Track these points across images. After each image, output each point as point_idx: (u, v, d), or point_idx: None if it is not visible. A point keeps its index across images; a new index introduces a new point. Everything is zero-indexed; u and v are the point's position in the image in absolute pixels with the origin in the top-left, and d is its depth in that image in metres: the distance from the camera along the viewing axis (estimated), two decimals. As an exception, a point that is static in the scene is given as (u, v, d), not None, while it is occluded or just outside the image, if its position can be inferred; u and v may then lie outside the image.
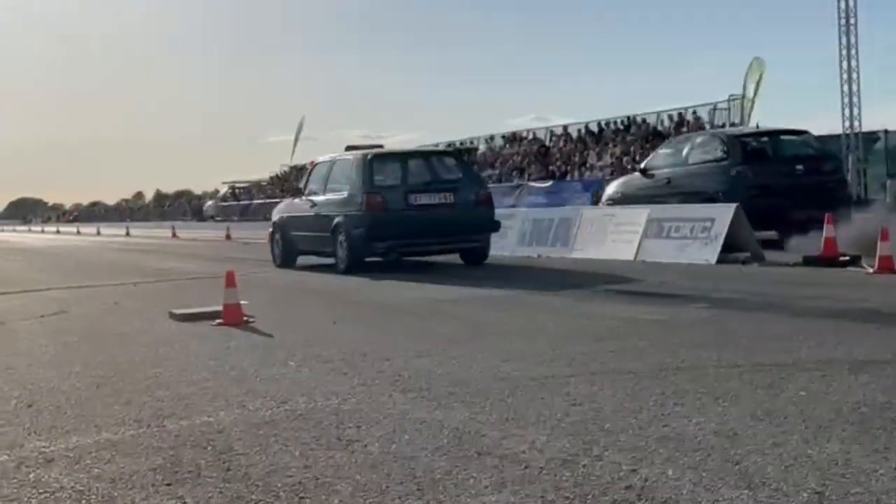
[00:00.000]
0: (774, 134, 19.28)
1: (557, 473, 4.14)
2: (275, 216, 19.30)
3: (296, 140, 65.04)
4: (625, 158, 29.58)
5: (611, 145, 37.36)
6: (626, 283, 12.57)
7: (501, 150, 44.71)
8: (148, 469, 4.49)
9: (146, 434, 5.19)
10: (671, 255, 15.44)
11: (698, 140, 19.41)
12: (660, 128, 36.25)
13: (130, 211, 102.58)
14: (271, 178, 66.30)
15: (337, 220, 16.24)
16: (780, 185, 16.44)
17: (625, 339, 7.77)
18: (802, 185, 16.53)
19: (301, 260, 18.16)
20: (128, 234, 48.27)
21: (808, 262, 13.48)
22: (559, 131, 42.35)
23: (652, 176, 19.22)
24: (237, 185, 70.24)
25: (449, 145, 48.63)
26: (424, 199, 16.12)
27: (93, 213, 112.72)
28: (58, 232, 64.47)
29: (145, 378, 6.84)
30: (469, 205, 16.33)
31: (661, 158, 19.88)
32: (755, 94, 33.00)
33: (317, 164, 19.05)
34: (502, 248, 19.69)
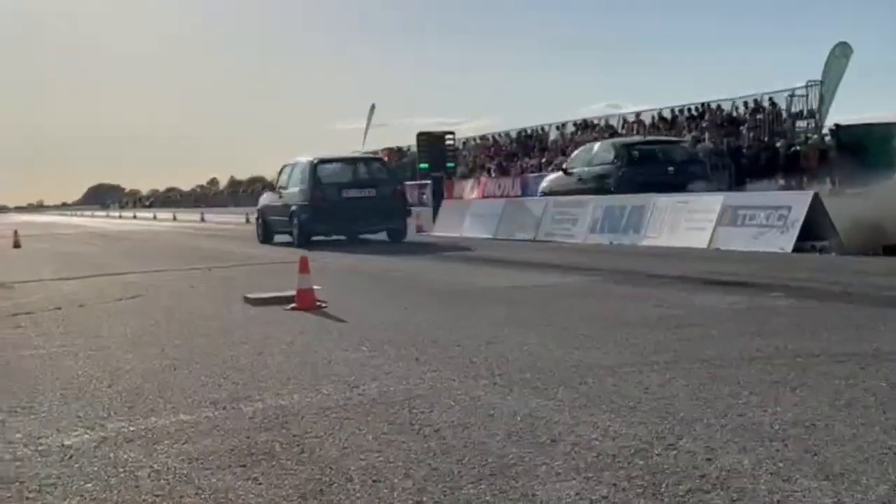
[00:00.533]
0: (655, 143, 25.87)
1: (630, 462, 4.11)
2: (259, 205, 25.26)
3: (367, 127, 65.36)
4: (699, 145, 29.12)
5: (684, 132, 36.89)
6: (699, 271, 12.41)
7: (573, 138, 44.40)
8: (224, 450, 4.56)
9: (222, 416, 5.26)
10: (746, 243, 15.23)
11: (599, 147, 25.09)
12: (735, 114, 35.66)
13: (205, 197, 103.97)
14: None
15: (293, 208, 21.68)
16: (654, 182, 20.01)
17: (699, 328, 7.68)
18: (670, 181, 20.74)
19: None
20: (202, 219, 48.99)
21: (888, 251, 13.18)
22: (631, 118, 41.91)
23: (570, 174, 24.36)
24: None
25: (520, 132, 48.48)
26: (353, 193, 21.50)
27: (169, 199, 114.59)
28: (134, 217, 65.81)
29: (221, 361, 6.94)
30: (387, 198, 21.72)
31: (576, 161, 25.10)
32: (837, 80, 32.21)
33: (285, 166, 23.95)
34: (573, 235, 19.67)
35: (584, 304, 9.58)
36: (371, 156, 26.54)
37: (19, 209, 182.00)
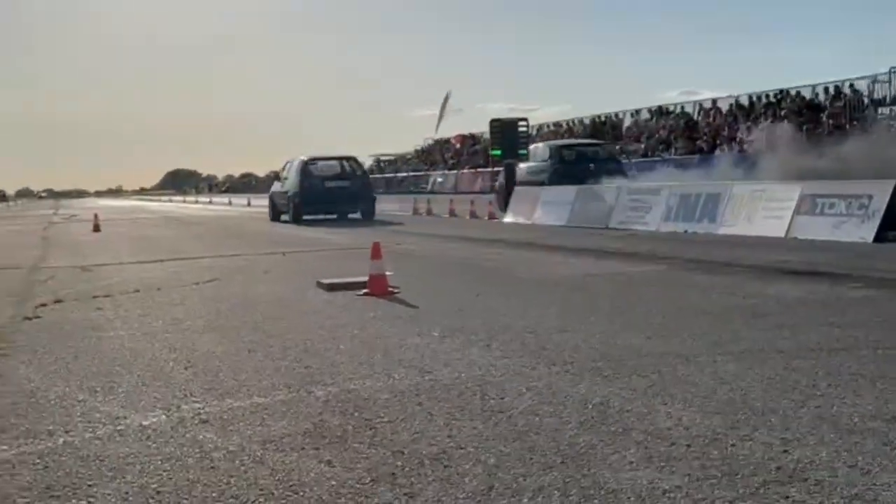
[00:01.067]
0: (581, 145, 31.52)
1: (704, 451, 4.06)
2: (271, 191, 33.50)
3: (441, 114, 65.34)
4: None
5: (762, 119, 36.23)
6: (776, 260, 12.20)
7: (647, 124, 43.92)
8: (297, 432, 4.61)
9: (295, 399, 5.32)
10: (825, 233, 14.94)
11: (542, 147, 30.03)
12: (815, 101, 34.93)
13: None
14: (416, 151, 66.82)
15: (289, 194, 29.72)
16: (577, 176, 25.05)
17: (775, 318, 7.56)
18: (590, 175, 25.24)
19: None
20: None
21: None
22: (708, 105, 41.30)
23: (521, 169, 28.83)
24: (383, 157, 70.92)
25: (594, 119, 48.10)
26: (333, 184, 29.22)
27: (244, 184, 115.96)
28: (210, 202, 66.68)
29: (294, 345, 7.01)
30: (359, 187, 29.68)
31: (532, 156, 29.05)
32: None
33: (287, 162, 31.58)
34: (647, 223, 19.49)
35: (658, 293, 9.48)
36: (348, 156, 31.74)
37: (99, 194, 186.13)
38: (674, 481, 3.70)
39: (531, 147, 29.84)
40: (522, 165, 28.76)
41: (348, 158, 31.65)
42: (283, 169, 31.99)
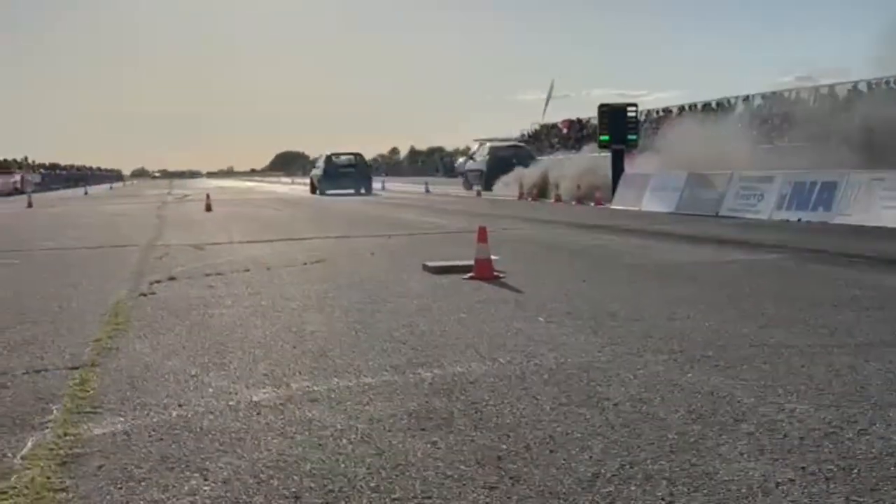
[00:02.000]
0: (509, 147, 45.29)
1: (819, 445, 3.96)
2: (311, 174, 50.58)
3: (547, 99, 64.96)
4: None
5: (883, 106, 35.01)
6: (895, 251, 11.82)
7: (760, 111, 42.88)
8: (403, 413, 4.64)
9: (402, 380, 5.35)
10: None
11: (483, 146, 45.05)
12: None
13: (386, 166, 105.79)
14: (521, 135, 66.53)
15: (318, 176, 45.79)
16: (501, 166, 38.84)
17: (893, 310, 7.32)
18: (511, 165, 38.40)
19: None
20: (383, 188, 49.88)
21: None
22: (825, 91, 40.10)
23: (470, 160, 42.89)
24: (488, 141, 70.80)
25: (704, 105, 47.18)
26: (344, 170, 43.91)
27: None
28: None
29: (401, 327, 7.06)
30: (360, 172, 44.21)
31: (476, 152, 43.58)
32: None
33: (319, 155, 48.01)
34: (759, 211, 19.08)
35: (770, 282, 9.27)
36: (356, 152, 47.03)
37: (210, 174, 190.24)
38: (787, 474, 3.61)
39: (475, 146, 40.81)
40: (472, 158, 42.29)
41: (356, 154, 47.12)
42: (317, 159, 50.30)
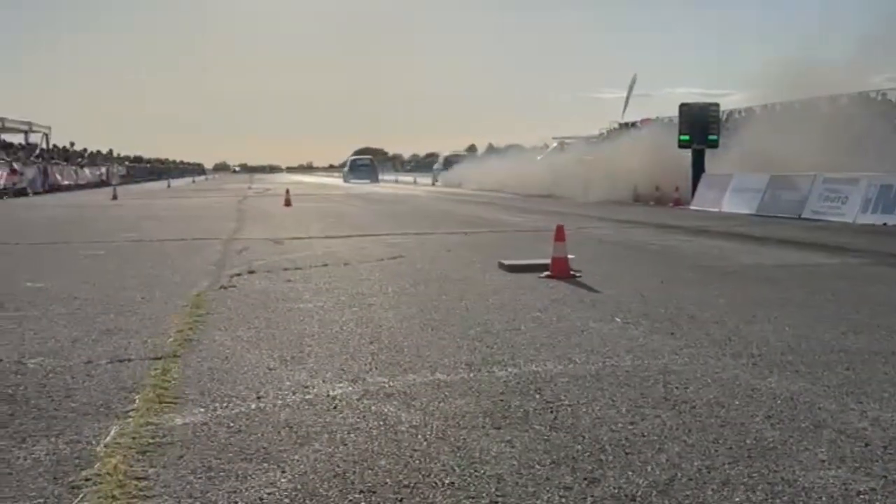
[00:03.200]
0: (457, 155, 71.38)
1: (903, 455, 3.87)
2: (343, 170, 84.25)
3: (627, 97, 64.37)
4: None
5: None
6: None
7: (846, 111, 41.90)
8: (478, 411, 4.64)
9: (477, 378, 5.36)
10: None
11: (445, 156, 71.02)
12: None
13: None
14: (600, 133, 66.01)
15: (346, 172, 77.76)
16: None
17: (983, 318, 7.12)
18: None
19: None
20: (460, 185, 49.94)
21: None
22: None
23: (445, 168, 63.50)
24: (566, 140, 70.43)
25: (787, 106, 46.25)
26: (361, 168, 74.10)
27: (428, 163, 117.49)
28: (396, 181, 67.91)
29: (476, 324, 7.07)
30: (372, 169, 73.81)
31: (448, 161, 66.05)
32: None
33: (348, 159, 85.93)
34: (843, 214, 18.71)
35: (853, 287, 9.08)
36: (370, 156, 68.65)
37: (290, 170, 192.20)
38: (869, 483, 3.54)
39: (553, 144, 41.97)
40: (446, 166, 58.88)
41: (370, 158, 77.57)
42: (346, 162, 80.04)
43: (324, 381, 5.28)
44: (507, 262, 10.75)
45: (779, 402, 4.75)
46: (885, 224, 17.29)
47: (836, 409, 4.60)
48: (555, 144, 53.11)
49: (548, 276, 9.75)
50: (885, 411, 4.52)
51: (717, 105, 28.09)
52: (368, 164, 75.73)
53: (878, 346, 6.10)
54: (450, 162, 65.23)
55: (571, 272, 9.85)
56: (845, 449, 3.96)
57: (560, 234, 10.05)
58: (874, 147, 28.15)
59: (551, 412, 4.62)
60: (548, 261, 10.04)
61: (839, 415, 4.49)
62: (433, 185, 59.27)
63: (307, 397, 4.94)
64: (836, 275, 10.20)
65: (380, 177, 72.23)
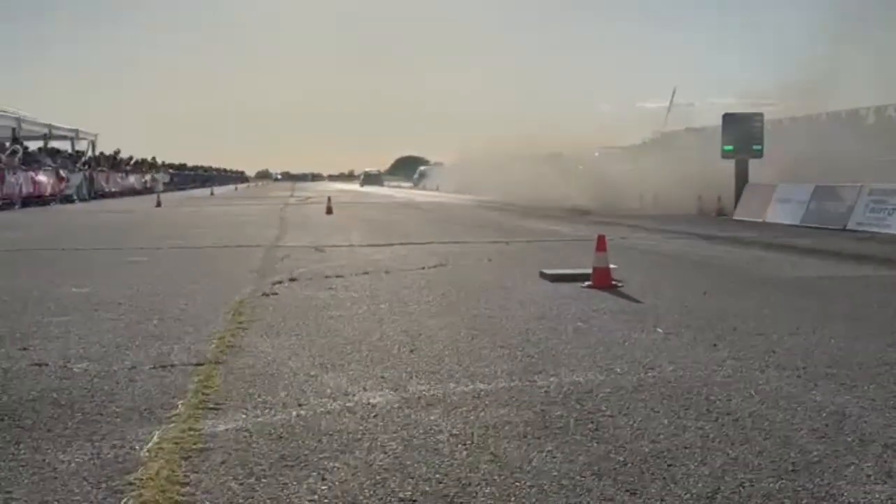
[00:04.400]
0: (429, 167, 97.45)
1: (951, 471, 3.80)
2: (360, 179, 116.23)
3: (669, 107, 64.02)
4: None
5: None
6: None
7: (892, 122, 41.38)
8: (519, 421, 4.63)
9: (517, 387, 5.34)
10: None
11: (423, 167, 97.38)
12: None
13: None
14: (643, 143, 65.62)
15: (361, 179, 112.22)
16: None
17: None
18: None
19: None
20: (437, 188, 49.85)
21: None
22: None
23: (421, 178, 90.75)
24: (608, 150, 70.08)
25: (833, 115, 45.81)
26: (372, 178, 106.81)
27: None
28: (437, 189, 67.98)
29: (517, 333, 7.05)
30: (380, 179, 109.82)
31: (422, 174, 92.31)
32: None
33: (364, 171, 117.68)
34: (889, 225, 18.47)
35: (900, 299, 8.95)
36: (376, 169, 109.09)
37: (332, 177, 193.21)
38: (916, 500, 3.49)
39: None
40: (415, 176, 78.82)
41: (378, 170, 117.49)
42: (363, 173, 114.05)
43: (364, 389, 5.29)
44: (548, 271, 10.72)
45: (823, 415, 4.69)
46: (933, 236, 17.06)
47: (882, 423, 4.54)
48: (596, 154, 52.98)
49: (589, 286, 9.71)
50: (932, 426, 4.45)
51: (760, 115, 27.84)
52: (376, 174, 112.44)
53: (925, 359, 6.01)
54: (423, 174, 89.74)
55: (613, 282, 9.80)
56: (892, 464, 3.90)
57: (602, 244, 10.00)
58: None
59: (592, 423, 4.59)
60: (589, 270, 10.01)
61: (886, 429, 4.43)
62: (413, 188, 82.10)
63: (348, 405, 4.95)
64: (882, 286, 10.07)
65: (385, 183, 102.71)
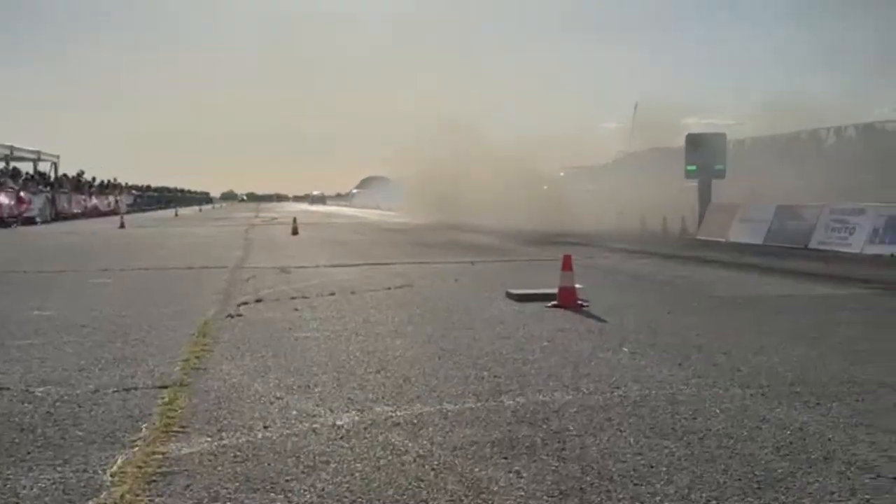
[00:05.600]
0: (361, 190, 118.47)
1: (913, 487, 3.84)
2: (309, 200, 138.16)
3: (633, 127, 64.49)
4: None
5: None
6: None
7: (852, 143, 41.94)
8: (486, 441, 4.63)
9: (484, 408, 5.34)
10: None
11: (354, 190, 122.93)
12: None
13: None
14: (606, 165, 66.00)
15: (310, 200, 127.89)
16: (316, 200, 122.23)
17: None
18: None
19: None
20: (377, 207, 49.91)
21: None
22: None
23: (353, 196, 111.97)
24: (574, 169, 70.41)
25: (794, 136, 46.32)
26: (317, 199, 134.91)
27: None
28: (377, 207, 67.97)
29: (484, 354, 7.05)
30: (323, 199, 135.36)
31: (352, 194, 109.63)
32: None
33: (311, 194, 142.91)
34: (850, 244, 18.67)
35: (861, 318, 9.05)
36: (320, 192, 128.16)
37: (297, 198, 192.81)
38: (879, 516, 3.52)
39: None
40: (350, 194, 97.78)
41: (321, 192, 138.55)
42: (308, 195, 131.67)
43: (331, 411, 5.27)
44: (514, 291, 10.74)
45: (788, 432, 4.73)
46: (892, 255, 17.25)
47: (846, 440, 4.58)
48: (562, 174, 53.20)
49: (555, 306, 9.74)
50: (894, 443, 4.49)
51: (723, 135, 28.15)
52: (320, 196, 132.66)
53: (886, 376, 6.07)
54: (353, 195, 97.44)
55: (579, 302, 9.84)
56: (855, 481, 3.93)
57: (567, 264, 10.04)
58: (880, 177, 28.15)
59: (559, 442, 4.60)
60: (555, 290, 10.04)
61: (849, 446, 4.47)
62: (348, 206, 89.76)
63: (314, 426, 4.93)
64: (844, 305, 10.18)
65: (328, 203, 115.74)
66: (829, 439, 4.59)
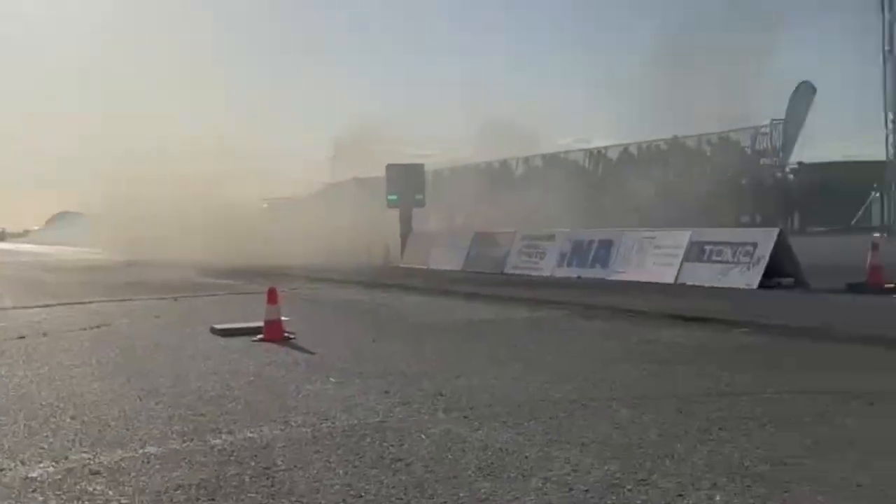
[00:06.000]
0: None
1: (603, 497, 4.10)
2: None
3: (334, 157, 64.96)
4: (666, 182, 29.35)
5: (651, 167, 37.02)
6: (667, 306, 12.44)
7: (538, 171, 44.52)
8: (192, 483, 4.50)
9: (190, 448, 5.20)
10: (712, 279, 15.30)
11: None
12: (701, 150, 35.93)
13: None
14: (309, 195, 66.32)
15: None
16: None
17: (667, 364, 7.71)
18: None
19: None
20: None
21: (853, 288, 13.27)
22: (597, 153, 42.05)
23: None
24: (275, 201, 70.61)
25: (489, 165, 48.56)
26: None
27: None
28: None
29: (188, 392, 6.87)
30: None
31: None
32: (801, 119, 32.63)
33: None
34: (541, 268, 19.71)
35: (553, 339, 9.59)
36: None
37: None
38: (573, 527, 3.72)
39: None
40: None
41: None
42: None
43: (22, 463, 4.94)
44: (219, 326, 10.54)
45: (489, 453, 4.91)
46: (578, 277, 18.37)
47: (542, 457, 4.82)
48: (265, 205, 52.82)
49: (261, 339, 9.64)
50: (585, 457, 4.78)
51: (422, 165, 29.07)
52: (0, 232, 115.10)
53: (577, 394, 6.45)
54: (42, 231, 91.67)
55: (286, 334, 9.79)
56: (551, 496, 4.14)
57: (273, 297, 9.97)
58: (567, 204, 30.00)
59: (268, 479, 4.55)
60: (261, 323, 9.94)
61: (545, 462, 4.70)
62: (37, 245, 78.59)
63: (3, 481, 4.60)
64: (537, 326, 10.73)
65: None
66: (527, 457, 4.81)
